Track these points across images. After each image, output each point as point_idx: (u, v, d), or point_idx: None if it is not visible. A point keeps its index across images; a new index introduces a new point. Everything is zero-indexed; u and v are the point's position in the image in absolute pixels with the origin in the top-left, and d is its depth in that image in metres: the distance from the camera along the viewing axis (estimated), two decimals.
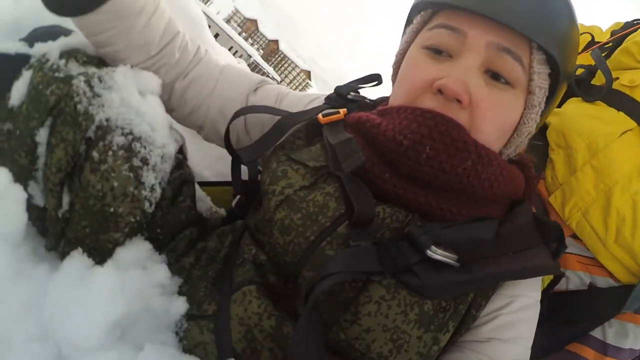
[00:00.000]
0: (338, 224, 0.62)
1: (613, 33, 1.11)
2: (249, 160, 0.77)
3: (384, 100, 0.82)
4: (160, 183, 0.65)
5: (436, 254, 0.56)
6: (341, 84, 0.86)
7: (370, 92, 0.90)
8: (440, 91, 0.63)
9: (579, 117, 0.98)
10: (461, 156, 0.61)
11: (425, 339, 0.58)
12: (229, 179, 0.91)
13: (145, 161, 0.62)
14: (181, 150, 0.75)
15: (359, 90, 0.86)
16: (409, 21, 0.77)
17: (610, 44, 1.08)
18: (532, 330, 0.66)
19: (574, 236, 0.96)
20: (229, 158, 0.79)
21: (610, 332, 0.94)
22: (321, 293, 0.54)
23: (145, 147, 0.62)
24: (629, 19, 1.16)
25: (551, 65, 0.67)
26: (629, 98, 0.94)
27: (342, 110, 0.76)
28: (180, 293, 0.64)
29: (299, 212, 0.64)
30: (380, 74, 0.87)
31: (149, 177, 0.62)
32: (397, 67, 0.77)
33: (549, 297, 0.88)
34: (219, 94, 0.82)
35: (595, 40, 1.14)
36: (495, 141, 0.68)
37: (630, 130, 0.92)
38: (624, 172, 0.89)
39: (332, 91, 0.84)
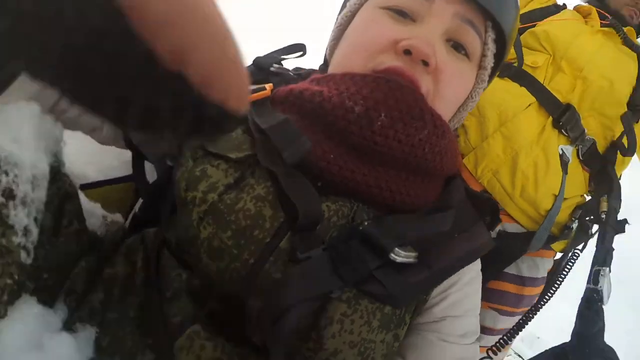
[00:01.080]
0: (280, 237, 0.53)
1: (522, 16, 1.22)
2: (156, 159, 0.62)
3: (313, 72, 0.71)
4: (35, 219, 0.45)
5: (399, 256, 0.53)
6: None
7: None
8: (407, 52, 0.58)
9: (490, 89, 1.05)
10: (417, 125, 0.56)
11: (387, 339, 0.56)
12: (120, 173, 0.74)
13: (10, 194, 0.42)
14: (55, 153, 0.55)
15: (282, 63, 0.73)
16: None
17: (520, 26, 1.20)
18: (479, 299, 0.68)
19: (484, 191, 1.10)
20: None
21: (524, 267, 1.13)
22: (289, 333, 0.48)
23: (6, 173, 0.42)
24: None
25: (497, 46, 0.68)
26: (531, 77, 1.09)
27: (268, 86, 0.64)
28: (100, 351, 0.49)
29: (228, 228, 0.53)
30: (304, 44, 0.74)
31: (19, 216, 0.42)
32: (341, 30, 0.68)
33: None
34: None
35: None
36: (450, 111, 0.67)
37: (531, 104, 1.07)
38: (528, 139, 1.05)
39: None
